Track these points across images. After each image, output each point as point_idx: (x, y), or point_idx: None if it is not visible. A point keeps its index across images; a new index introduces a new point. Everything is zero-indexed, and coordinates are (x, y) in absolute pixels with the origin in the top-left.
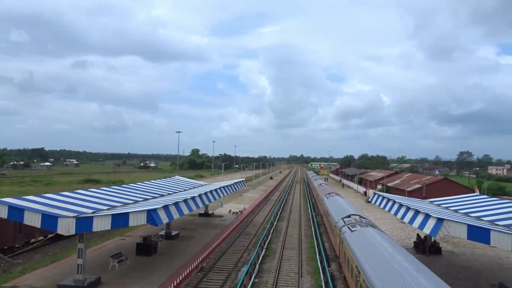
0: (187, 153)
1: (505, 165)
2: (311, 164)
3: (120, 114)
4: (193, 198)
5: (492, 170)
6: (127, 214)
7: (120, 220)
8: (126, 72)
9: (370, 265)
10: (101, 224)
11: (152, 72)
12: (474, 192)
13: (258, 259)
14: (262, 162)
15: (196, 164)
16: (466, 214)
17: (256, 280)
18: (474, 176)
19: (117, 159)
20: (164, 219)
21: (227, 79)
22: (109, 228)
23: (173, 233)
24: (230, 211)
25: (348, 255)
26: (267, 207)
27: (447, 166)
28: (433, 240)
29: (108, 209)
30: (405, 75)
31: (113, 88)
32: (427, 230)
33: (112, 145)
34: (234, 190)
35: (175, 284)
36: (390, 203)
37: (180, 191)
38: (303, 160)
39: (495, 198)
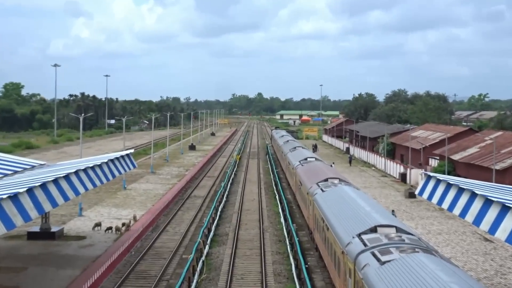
0: None
1: None
2: (281, 116)
3: None
4: (13, 197)
5: None
6: None
7: None
8: None
9: None
10: None
11: None
12: None
13: None
14: (171, 113)
15: (14, 118)
16: None
17: None
18: None
19: None
20: None
21: None
22: None
23: None
24: (98, 225)
25: None
26: (186, 213)
27: None
28: None
29: None
30: None
31: None
32: None
33: None
34: (110, 177)
35: None
36: (463, 199)
37: None
38: (264, 107)
39: None
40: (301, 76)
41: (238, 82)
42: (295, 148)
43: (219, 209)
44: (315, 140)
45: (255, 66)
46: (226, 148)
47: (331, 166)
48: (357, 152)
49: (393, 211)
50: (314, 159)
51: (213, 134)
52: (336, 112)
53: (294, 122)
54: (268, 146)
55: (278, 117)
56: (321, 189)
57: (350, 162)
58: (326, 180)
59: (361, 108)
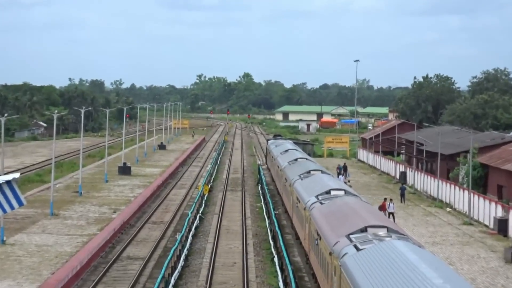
0: None
1: None
2: (284, 116)
3: None
4: None
5: None
6: None
7: None
8: None
9: None
10: None
11: None
12: None
13: None
14: (89, 108)
15: None
16: None
17: None
18: None
19: None
20: None
21: None
22: None
23: None
24: None
25: None
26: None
27: None
28: None
29: None
30: None
31: None
32: None
33: None
34: None
35: None
36: None
37: None
38: (256, 100)
39: None
40: (321, 46)
41: (209, 55)
42: (308, 173)
43: (172, 282)
44: (345, 159)
45: (240, 28)
46: (186, 173)
47: (390, 204)
48: (420, 180)
49: None
50: (342, 192)
51: (162, 146)
52: (384, 109)
53: (308, 126)
54: (261, 168)
55: (279, 117)
56: (355, 247)
57: (402, 196)
58: (363, 230)
59: (428, 102)
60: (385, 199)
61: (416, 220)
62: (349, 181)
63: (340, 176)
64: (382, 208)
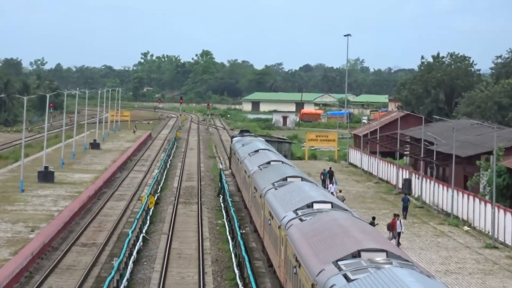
0: None
1: None
2: (254, 106)
3: None
4: None
5: None
6: None
7: None
8: None
9: None
10: None
11: None
12: None
13: None
14: (2, 94)
15: None
16: None
17: None
18: None
19: None
20: None
21: None
22: None
23: None
24: None
25: None
26: None
27: None
28: None
29: None
30: None
31: None
32: None
33: None
34: None
35: None
36: None
37: None
38: (218, 85)
39: None
40: (302, 17)
41: (157, 28)
42: (285, 180)
43: None
44: (331, 163)
45: None
46: (126, 180)
47: (397, 222)
48: (429, 190)
49: None
50: (329, 205)
51: (96, 145)
52: (382, 98)
53: (285, 119)
54: (224, 174)
55: (247, 107)
56: (345, 276)
57: (404, 211)
58: (356, 254)
59: (439, 88)
60: (395, 215)
61: (424, 242)
62: (340, 191)
63: (331, 186)
64: (392, 227)
